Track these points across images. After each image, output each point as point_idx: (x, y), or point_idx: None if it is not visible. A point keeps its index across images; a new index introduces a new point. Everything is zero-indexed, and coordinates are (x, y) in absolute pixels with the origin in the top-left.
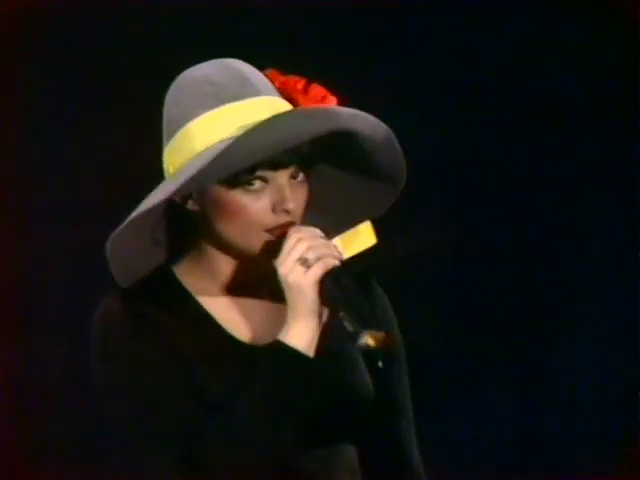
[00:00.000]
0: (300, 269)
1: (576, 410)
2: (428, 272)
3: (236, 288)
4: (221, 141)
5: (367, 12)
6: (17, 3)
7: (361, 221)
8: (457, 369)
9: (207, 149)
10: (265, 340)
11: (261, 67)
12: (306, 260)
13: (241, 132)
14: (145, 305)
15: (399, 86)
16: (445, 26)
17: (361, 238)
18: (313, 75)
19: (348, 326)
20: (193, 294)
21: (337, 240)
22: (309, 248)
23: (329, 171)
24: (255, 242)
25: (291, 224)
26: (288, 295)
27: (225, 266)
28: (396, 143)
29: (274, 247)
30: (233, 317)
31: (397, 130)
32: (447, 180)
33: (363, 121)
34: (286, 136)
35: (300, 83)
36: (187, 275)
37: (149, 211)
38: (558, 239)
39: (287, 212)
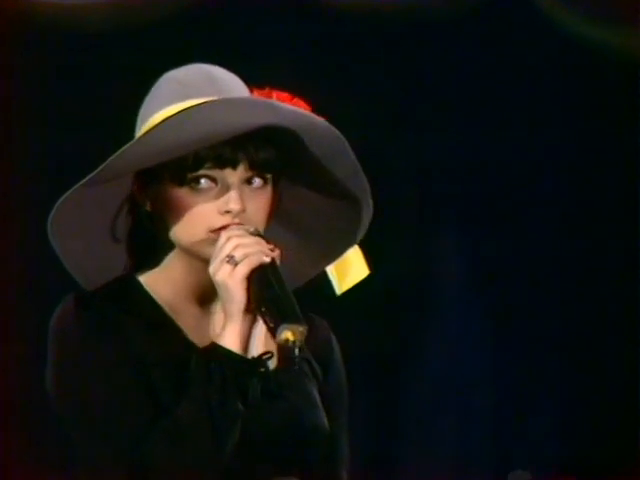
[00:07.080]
0: (227, 267)
1: (575, 410)
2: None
3: (197, 291)
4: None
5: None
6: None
7: (342, 250)
8: (452, 367)
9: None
10: None
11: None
12: (232, 258)
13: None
14: (105, 308)
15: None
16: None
17: (354, 270)
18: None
19: (269, 321)
20: (155, 298)
21: (331, 271)
22: (237, 246)
23: (301, 190)
24: (201, 243)
25: (237, 225)
26: (220, 295)
27: (184, 269)
28: (349, 149)
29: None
30: (194, 321)
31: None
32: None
33: (308, 122)
34: (213, 128)
35: (281, 95)
36: (149, 279)
37: (75, 195)
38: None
39: (229, 213)
